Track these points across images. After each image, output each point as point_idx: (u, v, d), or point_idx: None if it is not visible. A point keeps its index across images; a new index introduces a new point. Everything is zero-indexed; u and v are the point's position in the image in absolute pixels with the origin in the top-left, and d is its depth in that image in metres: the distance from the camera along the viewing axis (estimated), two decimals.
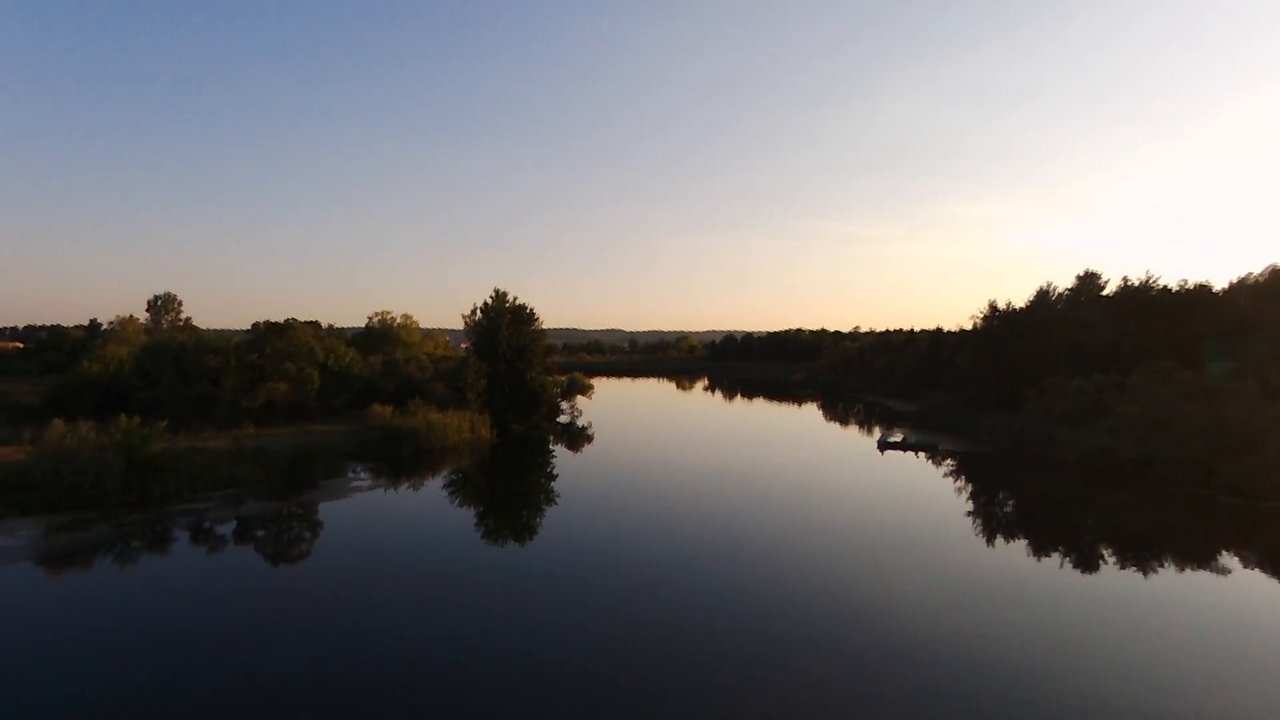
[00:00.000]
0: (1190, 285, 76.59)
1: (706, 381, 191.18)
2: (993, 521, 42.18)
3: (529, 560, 34.01)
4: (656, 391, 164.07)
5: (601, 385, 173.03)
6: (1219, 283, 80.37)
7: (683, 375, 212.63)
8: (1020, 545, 36.99)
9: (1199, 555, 34.84)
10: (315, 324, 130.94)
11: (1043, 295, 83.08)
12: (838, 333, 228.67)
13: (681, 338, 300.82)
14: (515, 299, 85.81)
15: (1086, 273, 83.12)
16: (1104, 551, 35.85)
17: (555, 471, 57.86)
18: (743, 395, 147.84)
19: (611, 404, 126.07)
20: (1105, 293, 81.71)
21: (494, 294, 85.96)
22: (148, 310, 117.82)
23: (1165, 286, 77.70)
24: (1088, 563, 33.62)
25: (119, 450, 40.97)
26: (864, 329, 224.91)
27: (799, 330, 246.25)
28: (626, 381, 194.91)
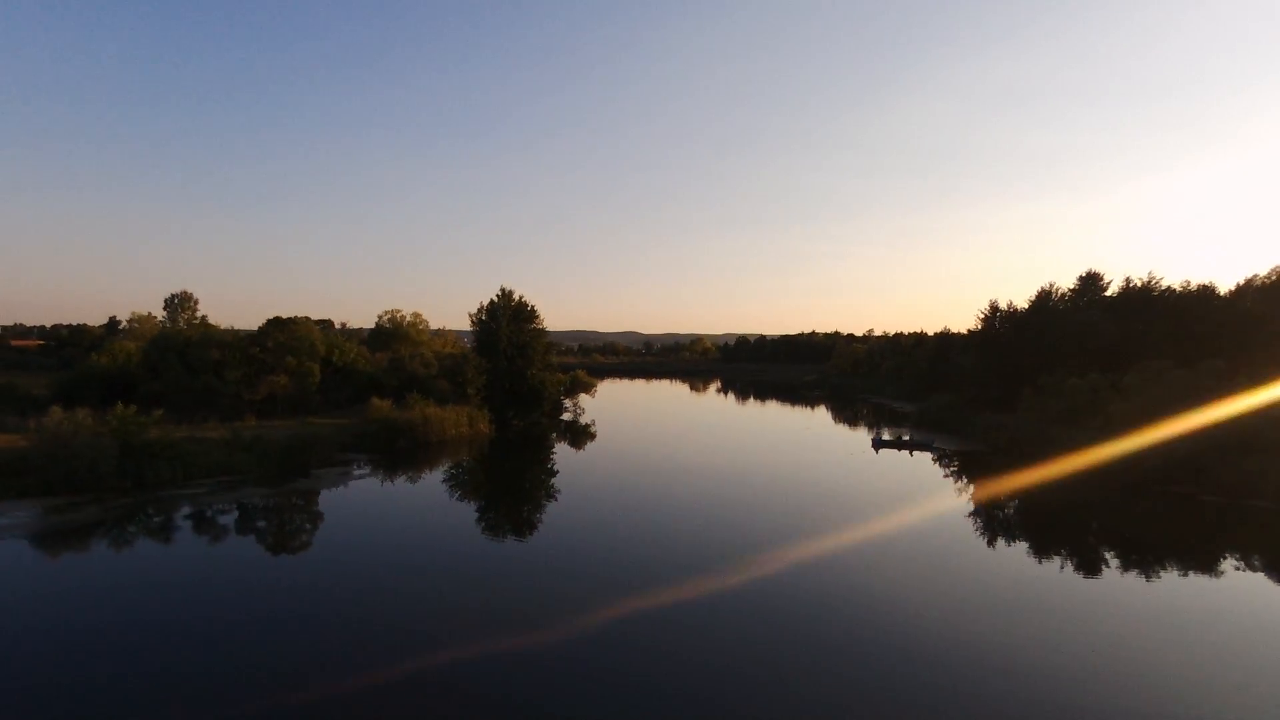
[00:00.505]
0: (1193, 286, 75.83)
1: (719, 384, 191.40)
2: (974, 518, 42.28)
3: (514, 550, 34.71)
4: (668, 393, 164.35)
5: (615, 386, 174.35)
6: (1227, 284, 79.75)
7: (696, 377, 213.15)
8: (994, 539, 37.13)
9: (1175, 550, 34.85)
10: (329, 323, 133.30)
11: (1044, 296, 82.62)
12: (851, 335, 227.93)
13: (696, 340, 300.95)
14: (521, 297, 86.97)
15: (1089, 273, 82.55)
16: (1079, 547, 35.99)
17: (553, 466, 58.41)
18: (754, 397, 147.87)
19: (621, 404, 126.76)
20: (1108, 293, 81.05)
21: (500, 292, 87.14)
22: (165, 309, 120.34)
23: (1168, 287, 77.04)
24: (1061, 557, 33.76)
25: (114, 436, 42.35)
26: (878, 332, 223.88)
27: (812, 333, 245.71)
28: (640, 383, 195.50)
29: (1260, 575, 31.01)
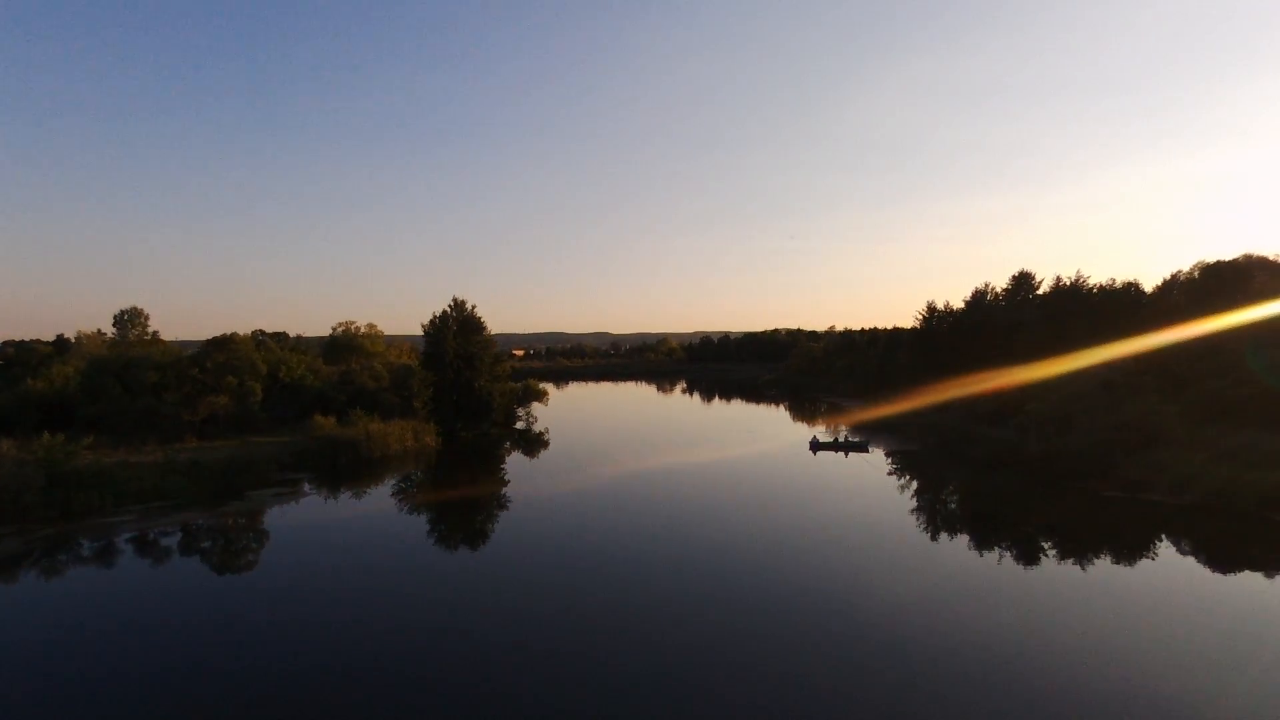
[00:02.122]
0: (1118, 284, 78.55)
1: (685, 384, 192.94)
2: (890, 516, 43.86)
3: (453, 562, 35.56)
4: (631, 395, 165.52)
5: (580, 390, 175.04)
6: (1154, 280, 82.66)
7: (663, 378, 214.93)
8: (918, 532, 38.64)
9: (1075, 542, 36.70)
10: (283, 335, 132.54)
11: (979, 295, 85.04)
12: (812, 333, 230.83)
13: (663, 340, 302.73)
14: (473, 308, 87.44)
15: (1021, 273, 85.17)
16: (993, 538, 37.76)
17: (500, 477, 59.27)
18: (717, 397, 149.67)
19: (580, 410, 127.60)
20: (1040, 292, 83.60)
21: (452, 302, 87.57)
22: (114, 325, 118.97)
23: (1095, 285, 79.66)
24: (956, 549, 35.45)
25: (40, 466, 42.48)
26: (840, 328, 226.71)
27: (775, 330, 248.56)
28: (606, 385, 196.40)
29: (1146, 563, 32.99)
